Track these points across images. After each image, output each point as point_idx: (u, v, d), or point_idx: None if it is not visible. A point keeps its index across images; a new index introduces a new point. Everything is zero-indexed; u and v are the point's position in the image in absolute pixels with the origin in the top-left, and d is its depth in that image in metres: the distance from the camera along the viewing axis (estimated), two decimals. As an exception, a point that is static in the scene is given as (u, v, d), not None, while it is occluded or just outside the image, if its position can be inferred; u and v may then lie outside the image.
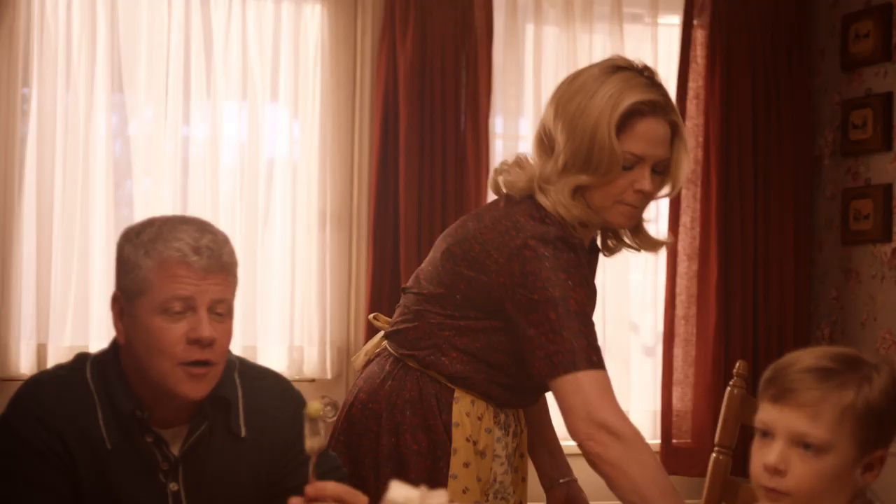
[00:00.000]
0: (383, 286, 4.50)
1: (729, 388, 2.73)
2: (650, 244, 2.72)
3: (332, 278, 4.54)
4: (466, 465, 2.60)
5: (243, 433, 2.38)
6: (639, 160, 2.51)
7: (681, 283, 4.91)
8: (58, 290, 4.12)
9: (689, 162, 2.59)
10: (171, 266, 2.22)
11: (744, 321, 4.92)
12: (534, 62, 4.84)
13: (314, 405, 2.09)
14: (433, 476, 2.56)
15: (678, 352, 4.91)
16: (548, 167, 2.55)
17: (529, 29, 4.86)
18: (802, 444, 1.87)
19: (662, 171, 2.55)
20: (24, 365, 4.03)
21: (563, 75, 4.76)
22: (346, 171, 4.62)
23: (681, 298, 4.92)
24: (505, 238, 2.52)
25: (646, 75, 2.55)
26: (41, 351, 4.07)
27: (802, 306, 5.04)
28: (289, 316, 4.48)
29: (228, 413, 2.37)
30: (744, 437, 2.43)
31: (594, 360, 2.48)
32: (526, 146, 4.81)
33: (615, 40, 4.90)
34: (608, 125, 2.47)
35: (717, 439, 2.75)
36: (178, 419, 2.34)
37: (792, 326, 4.98)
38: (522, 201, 2.57)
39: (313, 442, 2.12)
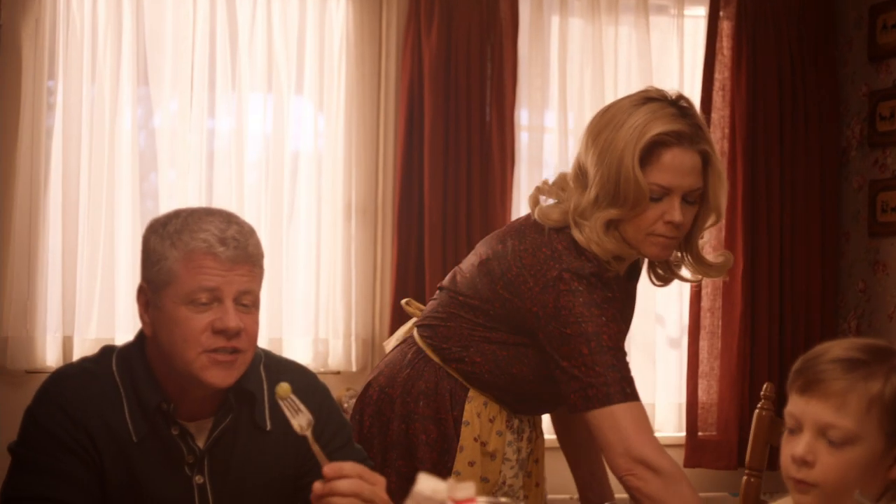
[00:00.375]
0: (408, 278, 4.50)
1: (757, 411, 2.75)
2: (706, 267, 2.71)
3: (357, 271, 4.54)
4: (471, 463, 2.62)
5: (268, 426, 2.38)
6: (666, 191, 2.50)
7: (706, 275, 4.89)
8: (83, 283, 4.13)
9: (724, 189, 2.57)
10: (198, 257, 2.22)
11: (770, 313, 4.89)
12: (559, 54, 4.83)
13: (283, 386, 2.10)
14: (438, 468, 2.59)
15: (704, 344, 4.90)
16: (582, 201, 2.55)
17: (555, 21, 4.84)
18: (829, 435, 1.87)
19: (695, 202, 2.54)
20: (51, 357, 4.04)
21: (588, 68, 4.81)
22: (370, 163, 4.61)
23: (706, 291, 4.90)
24: (543, 267, 2.54)
25: (679, 105, 2.55)
26: (67, 343, 4.08)
27: (829, 299, 5.01)
28: (314, 308, 4.48)
29: (253, 406, 2.37)
30: (773, 456, 2.45)
31: (628, 392, 2.48)
32: (551, 138, 4.81)
33: (641, 32, 4.89)
34: (632, 157, 2.48)
35: (747, 462, 2.76)
36: (204, 412, 2.34)
37: (819, 319, 4.96)
38: (564, 229, 2.58)
39: (299, 420, 2.13)
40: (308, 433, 2.12)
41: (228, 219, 2.28)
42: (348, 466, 2.08)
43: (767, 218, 4.92)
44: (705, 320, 4.88)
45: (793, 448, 1.90)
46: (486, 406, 2.63)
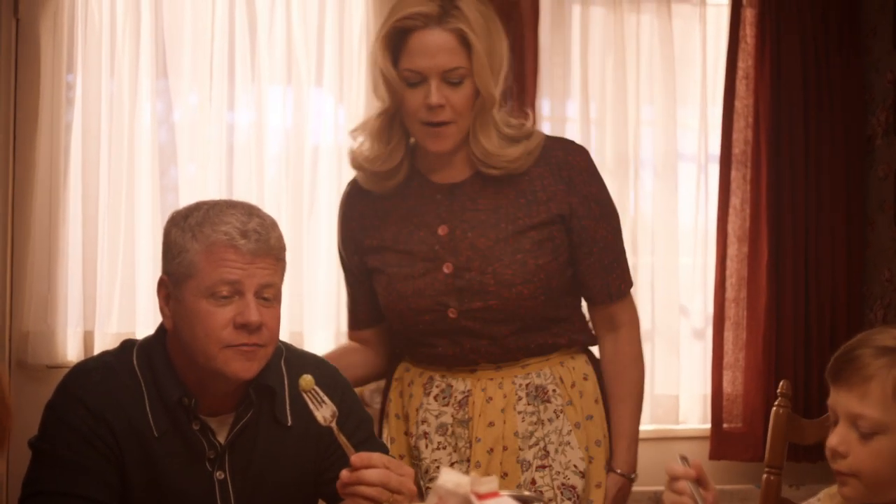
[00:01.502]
0: (429, 270, 4.48)
1: (774, 409, 2.74)
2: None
3: (378, 263, 4.52)
4: (392, 440, 2.74)
5: (289, 422, 2.37)
6: (420, 76, 2.50)
7: (731, 265, 4.86)
8: (104, 277, 4.13)
9: (487, 67, 2.51)
10: (219, 250, 2.21)
11: (795, 304, 4.86)
12: (581, 44, 4.80)
13: (306, 378, 2.10)
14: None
15: (728, 335, 4.87)
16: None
17: (576, 10, 4.82)
18: (858, 425, 1.87)
19: (460, 81, 2.50)
20: (71, 352, 4.05)
21: (610, 57, 4.78)
22: (390, 155, 4.59)
23: (731, 281, 4.87)
24: None
25: None
26: (88, 338, 4.08)
27: (855, 288, 4.98)
28: (335, 302, 4.47)
29: (273, 401, 2.36)
30: (795, 452, 2.43)
31: None
32: (574, 128, 4.79)
33: (663, 21, 4.86)
34: (381, 48, 2.53)
35: (766, 460, 2.75)
36: (225, 407, 2.33)
37: (845, 309, 4.92)
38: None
39: (323, 412, 2.13)
40: (333, 424, 2.11)
41: (250, 211, 2.27)
42: (376, 456, 2.07)
43: (792, 208, 4.88)
44: (730, 311, 4.85)
45: (830, 439, 1.89)
46: (408, 371, 2.72)
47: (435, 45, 2.49)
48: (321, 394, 2.14)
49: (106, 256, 4.14)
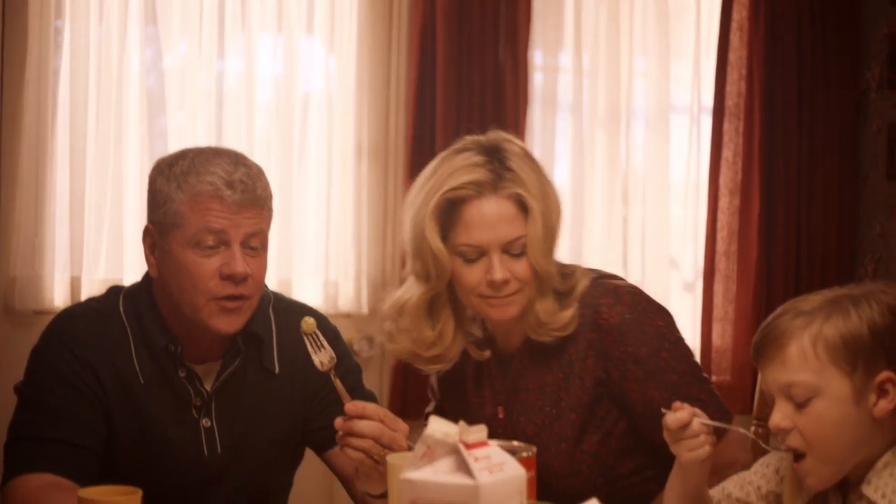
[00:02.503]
0: (420, 220, 4.46)
1: None
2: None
3: (368, 212, 4.51)
4: None
5: (276, 369, 2.36)
6: (479, 250, 2.29)
7: (722, 218, 4.85)
8: (91, 223, 4.10)
9: (542, 235, 2.31)
10: (204, 200, 2.19)
11: (786, 258, 4.86)
12: (574, -8, 4.77)
13: (308, 320, 2.09)
14: None
15: (718, 288, 4.86)
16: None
17: (570, -40, 4.78)
18: (792, 395, 1.84)
19: (522, 252, 2.30)
20: (59, 298, 4.02)
21: (603, 7, 4.74)
22: (382, 104, 4.56)
23: (722, 234, 4.86)
24: None
25: (487, 148, 2.35)
26: (75, 284, 4.06)
27: (846, 243, 4.97)
28: (324, 250, 4.45)
29: (261, 349, 2.35)
30: None
31: None
32: (566, 79, 4.76)
33: (657, -30, 4.82)
34: (430, 222, 2.29)
35: (754, 413, 2.74)
36: (211, 355, 2.33)
37: (835, 263, 4.92)
38: None
39: (321, 356, 2.12)
40: (331, 370, 2.11)
41: (236, 160, 2.25)
42: (371, 406, 2.07)
43: (784, 161, 4.87)
44: (720, 264, 4.84)
45: (771, 420, 1.87)
46: None
47: (494, 215, 2.27)
48: (321, 338, 2.14)
49: (94, 202, 4.10)
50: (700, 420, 1.95)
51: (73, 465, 2.19)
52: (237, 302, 2.23)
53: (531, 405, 2.42)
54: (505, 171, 2.30)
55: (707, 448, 1.96)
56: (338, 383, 2.11)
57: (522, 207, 2.30)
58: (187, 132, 4.27)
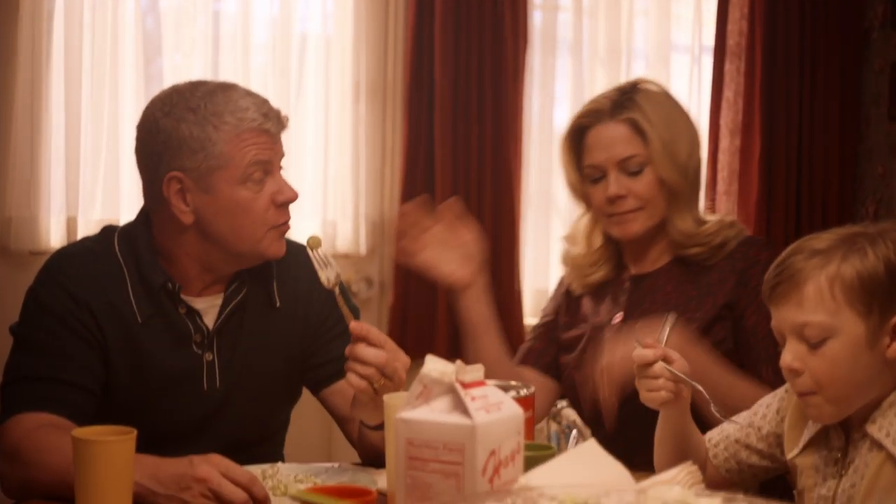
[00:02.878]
0: (418, 160, 4.44)
1: None
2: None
3: (366, 152, 4.48)
4: None
5: (277, 304, 2.36)
6: (599, 170, 2.55)
7: (723, 158, 4.83)
8: (87, 164, 4.08)
9: (664, 153, 2.51)
10: (249, 135, 2.20)
11: (787, 198, 4.84)
12: (574, -69, 4.71)
13: (315, 237, 2.12)
14: None
15: (719, 229, 4.84)
16: None
17: None
18: (805, 336, 1.81)
19: (638, 170, 2.52)
20: (55, 238, 4.01)
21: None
22: (380, 42, 4.53)
23: (722, 175, 4.84)
24: None
25: (607, 91, 2.59)
26: (71, 224, 4.04)
27: (847, 183, 4.95)
28: (322, 190, 4.44)
29: (265, 283, 2.35)
30: None
31: None
32: (566, 18, 4.72)
33: None
34: (564, 151, 2.61)
35: None
36: (213, 289, 2.32)
37: (836, 204, 4.90)
38: None
39: (327, 273, 2.12)
40: (336, 287, 2.12)
41: (249, 92, 2.28)
42: (375, 330, 2.07)
43: (786, 101, 4.84)
44: (720, 205, 4.82)
45: (782, 359, 1.85)
46: None
47: (608, 137, 2.53)
48: (328, 255, 2.15)
49: (89, 142, 4.08)
50: (663, 365, 1.95)
51: (69, 404, 2.18)
52: (286, 226, 2.28)
53: (652, 314, 2.51)
54: (626, 100, 2.53)
55: (663, 394, 1.96)
56: (341, 301, 2.12)
57: (640, 131, 2.51)
58: (183, 74, 4.23)
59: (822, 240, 1.85)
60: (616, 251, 2.67)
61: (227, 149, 2.19)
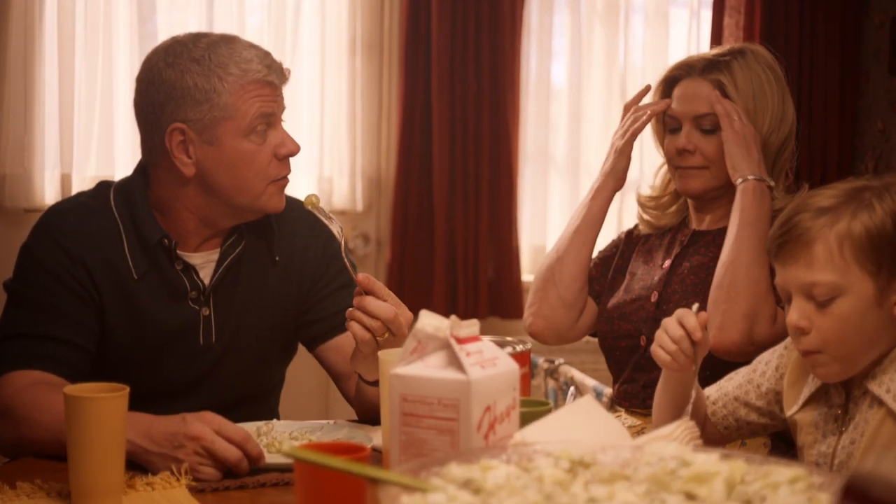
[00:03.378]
0: (414, 115, 4.42)
1: None
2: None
3: (363, 107, 4.46)
4: None
5: (277, 259, 2.35)
6: (677, 121, 2.57)
7: (721, 114, 4.80)
8: (81, 120, 4.06)
9: (745, 112, 2.50)
10: (254, 87, 2.19)
11: (786, 154, 4.81)
12: None
13: (314, 195, 2.13)
14: None
15: (717, 185, 4.83)
16: None
17: None
18: (814, 294, 1.79)
19: (713, 129, 2.53)
20: (49, 195, 4.00)
21: None
22: (376, -3, 4.50)
23: (720, 131, 4.81)
24: None
25: (714, 50, 2.62)
26: (65, 181, 4.03)
27: (847, 139, 4.93)
28: (318, 146, 4.42)
29: (263, 238, 2.34)
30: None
31: None
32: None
33: None
34: (656, 95, 2.65)
35: None
36: (209, 244, 2.31)
37: (836, 160, 4.89)
38: None
39: (334, 227, 2.13)
40: (342, 241, 2.12)
41: (251, 44, 2.26)
42: (380, 285, 2.06)
43: (785, 57, 4.74)
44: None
45: (788, 317, 1.83)
46: None
47: (692, 92, 2.55)
48: (326, 211, 2.15)
49: (83, 99, 4.06)
50: (683, 336, 1.90)
51: (63, 362, 2.17)
52: (287, 180, 2.26)
53: (701, 266, 2.55)
54: (721, 62, 2.55)
55: (668, 359, 1.91)
56: (346, 256, 2.11)
57: (724, 93, 2.52)
58: (178, 30, 4.16)
59: (827, 196, 1.83)
60: (685, 204, 2.69)
61: (231, 100, 2.17)
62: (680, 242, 2.61)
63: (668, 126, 2.59)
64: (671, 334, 1.90)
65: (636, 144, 2.65)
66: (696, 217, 2.63)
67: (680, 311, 1.93)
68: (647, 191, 2.75)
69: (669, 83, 2.61)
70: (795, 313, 1.82)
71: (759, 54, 2.59)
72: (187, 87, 2.18)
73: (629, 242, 2.74)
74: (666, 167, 2.66)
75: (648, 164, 4.56)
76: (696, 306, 1.93)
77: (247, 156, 2.20)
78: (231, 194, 2.22)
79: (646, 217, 2.72)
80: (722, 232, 2.53)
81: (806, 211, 1.82)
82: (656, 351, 1.95)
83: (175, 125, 2.19)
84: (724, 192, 2.54)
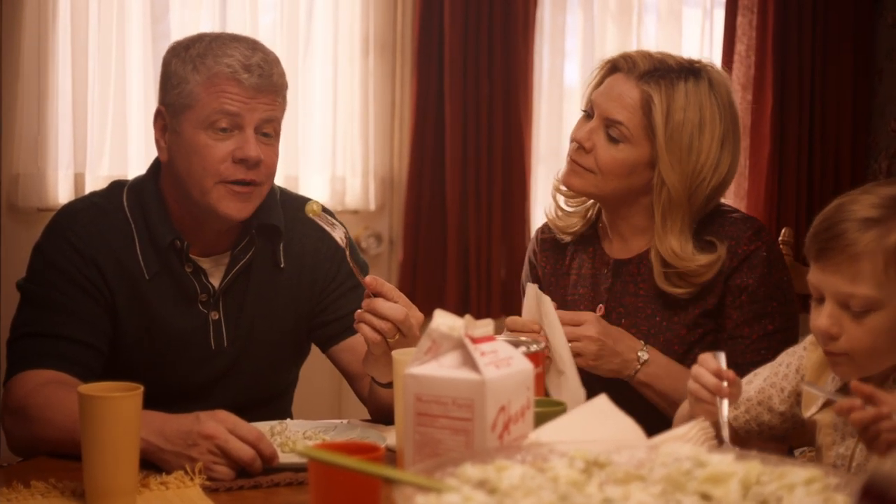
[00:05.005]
0: (427, 115, 4.41)
1: None
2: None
3: (376, 107, 4.45)
4: None
5: (282, 263, 2.35)
6: (591, 110, 2.41)
7: (734, 113, 4.79)
8: (95, 120, 4.06)
9: (666, 152, 2.31)
10: (221, 82, 2.18)
11: (799, 153, 4.81)
12: None
13: (312, 203, 2.10)
14: None
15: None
16: None
17: None
18: (850, 304, 1.78)
19: (619, 140, 2.35)
20: (62, 195, 3.99)
21: None
22: (389, -4, 4.50)
23: (734, 129, 4.80)
24: None
25: (674, 57, 2.42)
26: (79, 180, 4.02)
27: (860, 138, 4.92)
28: (331, 146, 4.41)
29: (275, 242, 2.33)
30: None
31: None
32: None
33: None
34: (593, 73, 2.48)
35: None
36: (218, 247, 2.31)
37: (849, 160, 4.87)
38: None
39: (338, 233, 2.11)
40: (347, 246, 2.10)
41: (254, 46, 2.24)
42: (389, 286, 2.05)
43: (798, 55, 4.79)
44: (731, 160, 4.79)
45: (817, 319, 1.82)
46: None
47: (617, 92, 2.37)
48: (331, 217, 2.13)
49: (97, 98, 4.06)
50: (720, 404, 1.87)
51: (76, 361, 2.17)
52: (248, 187, 2.21)
53: (638, 310, 2.43)
54: (667, 80, 2.33)
55: (695, 389, 1.89)
56: (351, 261, 2.10)
57: (647, 111, 2.33)
58: (191, 30, 4.19)
59: (869, 205, 1.79)
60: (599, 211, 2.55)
61: (196, 90, 2.19)
62: (606, 279, 2.48)
63: (586, 111, 2.43)
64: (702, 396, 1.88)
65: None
66: (610, 227, 2.50)
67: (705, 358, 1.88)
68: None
69: (611, 68, 2.43)
70: (827, 319, 1.80)
71: (717, 84, 2.38)
72: (170, 72, 2.23)
73: (544, 250, 2.62)
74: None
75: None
76: (721, 355, 1.90)
77: (199, 147, 2.19)
78: (186, 186, 2.23)
79: (560, 206, 2.58)
80: (642, 259, 2.42)
81: (850, 220, 1.78)
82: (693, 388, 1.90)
83: (159, 107, 2.26)
84: (634, 213, 2.42)
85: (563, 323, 2.21)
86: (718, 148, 2.35)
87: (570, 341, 2.22)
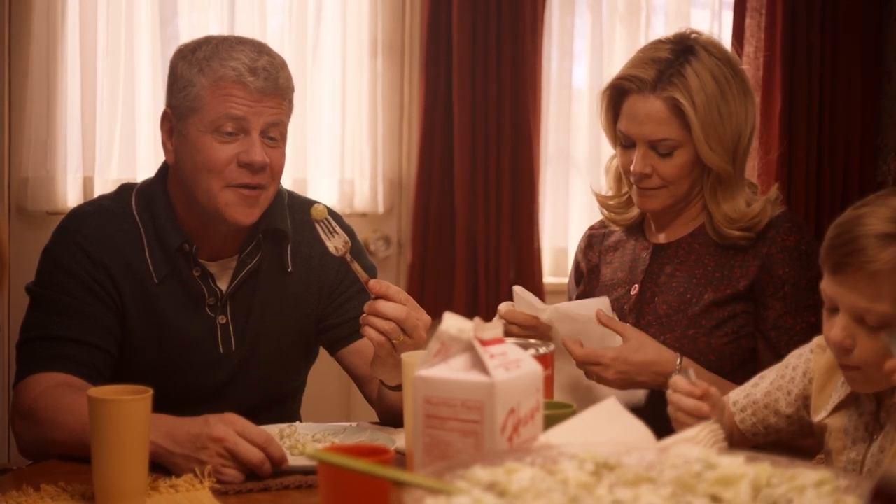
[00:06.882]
0: (436, 117, 4.41)
1: None
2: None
3: (384, 109, 4.45)
4: None
5: (290, 268, 2.34)
6: (630, 140, 2.46)
7: (743, 115, 4.78)
8: (104, 123, 4.06)
9: (704, 138, 2.38)
10: (226, 85, 2.18)
11: (808, 154, 4.79)
12: None
13: (318, 207, 2.08)
14: None
15: (739, 187, 4.81)
16: None
17: None
18: (865, 319, 1.76)
19: (669, 153, 2.42)
20: (71, 198, 4.00)
21: None
22: (397, -1, 4.50)
23: (742, 131, 4.79)
24: None
25: (664, 43, 2.46)
26: (88, 184, 4.03)
27: (870, 140, 4.90)
28: (339, 148, 4.41)
29: (281, 246, 2.33)
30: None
31: None
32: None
33: None
34: (602, 102, 2.51)
35: None
36: (226, 251, 2.31)
37: (858, 161, 4.86)
38: None
39: (335, 242, 2.10)
40: (346, 254, 2.09)
41: (260, 49, 2.24)
42: (395, 289, 2.05)
43: (807, 56, 4.78)
44: (740, 162, 4.78)
45: (831, 330, 1.81)
46: None
47: (644, 112, 2.41)
48: (333, 224, 2.13)
49: (105, 102, 4.06)
50: (683, 401, 1.91)
51: (85, 364, 2.18)
52: (254, 191, 2.22)
53: (672, 288, 2.49)
54: (673, 73, 2.40)
55: (676, 415, 1.93)
56: (355, 266, 2.10)
57: (680, 111, 2.39)
58: (199, 33, 4.18)
59: (886, 219, 1.76)
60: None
61: (203, 93, 2.19)
62: (644, 262, 2.56)
63: (621, 141, 2.49)
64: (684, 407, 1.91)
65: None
66: (655, 224, 2.59)
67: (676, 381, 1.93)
68: (604, 188, 2.70)
69: (619, 94, 2.48)
70: (841, 332, 1.79)
71: (711, 48, 2.46)
72: (176, 74, 2.24)
73: (591, 245, 2.72)
74: (616, 161, 2.58)
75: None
76: (690, 372, 1.94)
77: (205, 150, 2.19)
78: (192, 189, 2.23)
79: (607, 214, 2.68)
80: (685, 242, 2.51)
81: (868, 235, 1.75)
82: (672, 413, 1.95)
83: (165, 109, 2.27)
84: (685, 204, 2.51)
85: (581, 361, 2.30)
86: (743, 101, 2.45)
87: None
